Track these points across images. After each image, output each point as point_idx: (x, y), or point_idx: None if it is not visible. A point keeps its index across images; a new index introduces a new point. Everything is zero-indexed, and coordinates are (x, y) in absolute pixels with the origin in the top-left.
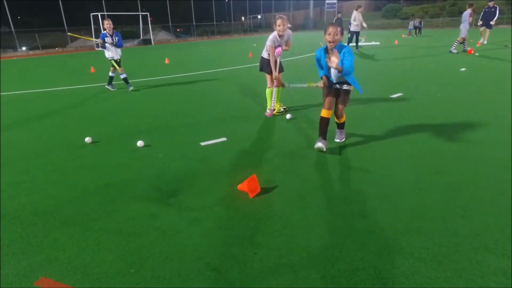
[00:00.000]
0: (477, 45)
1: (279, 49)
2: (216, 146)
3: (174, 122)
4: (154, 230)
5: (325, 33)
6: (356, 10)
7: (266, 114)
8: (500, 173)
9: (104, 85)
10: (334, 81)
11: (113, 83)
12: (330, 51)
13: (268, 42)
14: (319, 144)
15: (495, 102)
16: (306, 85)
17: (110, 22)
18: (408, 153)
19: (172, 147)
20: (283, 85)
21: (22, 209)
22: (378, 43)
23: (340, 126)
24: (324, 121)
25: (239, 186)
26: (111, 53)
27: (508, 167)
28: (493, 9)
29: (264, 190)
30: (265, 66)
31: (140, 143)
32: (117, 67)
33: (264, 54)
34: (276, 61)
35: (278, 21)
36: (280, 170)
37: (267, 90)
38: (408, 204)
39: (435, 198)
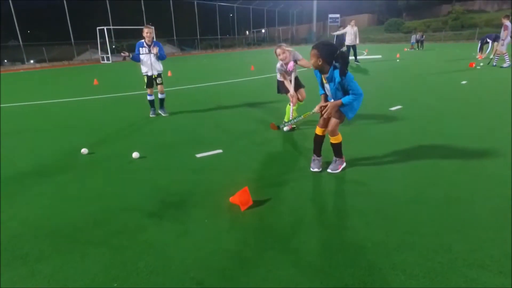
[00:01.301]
0: (479, 58)
1: (291, 64)
2: (211, 158)
3: (171, 133)
4: (141, 243)
5: None
6: (350, 24)
7: (282, 128)
8: (498, 187)
9: (108, 96)
10: (332, 100)
11: (155, 107)
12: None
13: (278, 71)
14: (313, 168)
15: (495, 115)
16: (302, 117)
17: (152, 30)
18: (404, 166)
19: (167, 159)
20: (278, 128)
21: (10, 220)
22: (379, 56)
23: (335, 151)
24: (317, 138)
25: (231, 199)
26: (145, 67)
27: (506, 182)
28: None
29: (257, 203)
30: (281, 88)
31: (135, 155)
32: (155, 84)
33: (279, 77)
34: (291, 79)
35: (278, 51)
36: (274, 182)
37: (288, 107)
38: (403, 218)
39: (431, 212)
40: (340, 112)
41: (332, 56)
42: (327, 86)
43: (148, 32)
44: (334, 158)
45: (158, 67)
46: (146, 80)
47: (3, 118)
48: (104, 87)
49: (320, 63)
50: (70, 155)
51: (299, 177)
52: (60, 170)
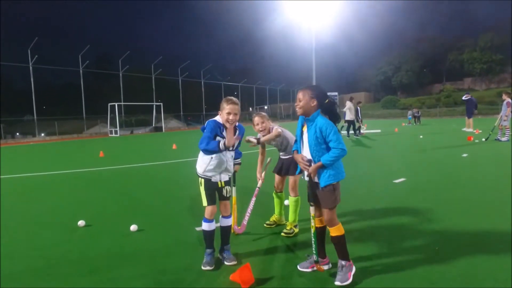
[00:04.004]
0: (476, 133)
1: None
2: None
3: (171, 205)
4: None
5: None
6: (350, 101)
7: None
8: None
9: (111, 168)
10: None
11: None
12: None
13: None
14: (300, 266)
15: (502, 187)
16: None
17: (237, 107)
18: (413, 241)
19: (166, 232)
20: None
21: None
22: (379, 130)
23: (339, 249)
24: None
25: (232, 276)
26: (213, 167)
27: None
28: (468, 101)
29: (259, 281)
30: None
31: (133, 227)
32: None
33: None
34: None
35: (256, 119)
36: (278, 259)
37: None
38: None
39: None
40: (328, 194)
41: (325, 97)
42: (305, 135)
43: (233, 110)
44: (340, 262)
45: (231, 168)
46: (205, 189)
47: (6, 189)
48: (109, 159)
49: (313, 104)
50: (67, 227)
51: (304, 253)
52: (53, 243)
